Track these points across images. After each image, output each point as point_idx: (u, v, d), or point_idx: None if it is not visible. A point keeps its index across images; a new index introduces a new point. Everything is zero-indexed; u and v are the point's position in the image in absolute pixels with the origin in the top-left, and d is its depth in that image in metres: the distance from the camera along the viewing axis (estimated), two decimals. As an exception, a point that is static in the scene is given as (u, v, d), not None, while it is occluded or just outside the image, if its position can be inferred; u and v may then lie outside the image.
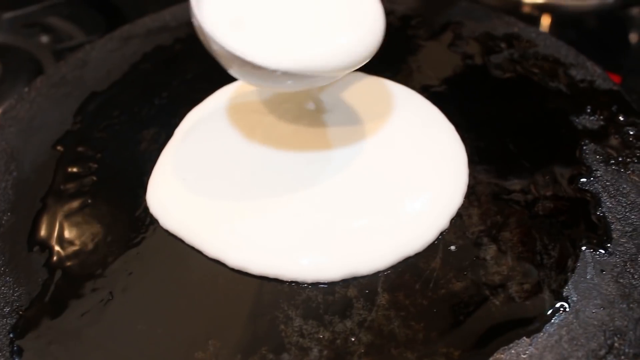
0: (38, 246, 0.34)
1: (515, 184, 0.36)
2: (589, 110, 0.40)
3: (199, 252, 0.33)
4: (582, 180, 0.36)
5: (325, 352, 0.29)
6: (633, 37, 0.65)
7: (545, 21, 0.64)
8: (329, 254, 0.32)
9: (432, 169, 0.36)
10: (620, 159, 0.37)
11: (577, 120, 0.39)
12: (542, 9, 0.64)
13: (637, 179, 0.36)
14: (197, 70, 0.45)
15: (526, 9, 0.65)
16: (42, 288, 0.32)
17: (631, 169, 0.36)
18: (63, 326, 0.30)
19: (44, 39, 0.62)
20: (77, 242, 0.34)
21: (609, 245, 0.32)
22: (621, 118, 0.39)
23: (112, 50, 0.48)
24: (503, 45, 0.46)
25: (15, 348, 0.30)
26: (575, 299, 0.30)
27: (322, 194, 0.34)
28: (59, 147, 0.40)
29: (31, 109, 0.43)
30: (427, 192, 0.35)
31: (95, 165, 0.39)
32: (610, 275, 0.31)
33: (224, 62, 0.32)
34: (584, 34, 0.64)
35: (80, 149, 0.40)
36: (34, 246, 0.34)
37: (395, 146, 0.37)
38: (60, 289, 0.32)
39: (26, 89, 0.44)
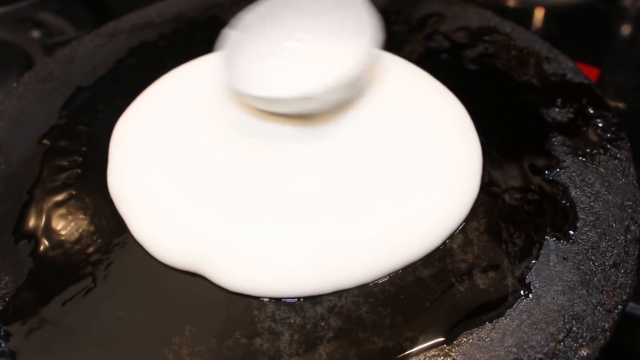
0: (24, 237, 0.35)
1: (484, 176, 0.37)
2: (559, 103, 0.41)
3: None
4: (549, 171, 0.37)
5: (295, 336, 0.30)
6: (625, 29, 0.65)
7: (538, 14, 0.64)
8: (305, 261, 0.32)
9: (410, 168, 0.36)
10: (587, 151, 0.38)
11: (547, 112, 0.40)
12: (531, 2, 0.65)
13: (603, 171, 0.37)
14: (181, 65, 0.46)
15: (515, 3, 0.66)
16: (28, 277, 0.33)
17: (597, 160, 0.37)
18: (48, 313, 0.32)
19: (35, 33, 0.63)
20: (62, 232, 0.35)
21: (572, 233, 0.33)
22: (591, 111, 0.40)
23: (98, 46, 0.49)
24: (479, 39, 0.47)
25: (2, 333, 0.31)
26: (537, 285, 0.31)
27: (293, 191, 0.34)
28: (45, 141, 0.41)
29: (19, 104, 0.44)
30: (399, 187, 0.35)
31: (80, 159, 0.40)
32: (572, 263, 0.32)
33: None
34: (567, 27, 0.64)
35: (65, 142, 0.41)
36: (21, 237, 0.35)
37: (372, 140, 0.37)
38: (45, 277, 0.33)
39: (14, 84, 0.45)
